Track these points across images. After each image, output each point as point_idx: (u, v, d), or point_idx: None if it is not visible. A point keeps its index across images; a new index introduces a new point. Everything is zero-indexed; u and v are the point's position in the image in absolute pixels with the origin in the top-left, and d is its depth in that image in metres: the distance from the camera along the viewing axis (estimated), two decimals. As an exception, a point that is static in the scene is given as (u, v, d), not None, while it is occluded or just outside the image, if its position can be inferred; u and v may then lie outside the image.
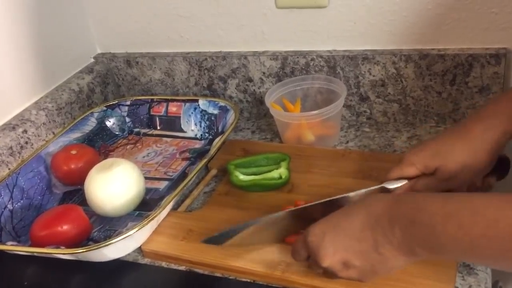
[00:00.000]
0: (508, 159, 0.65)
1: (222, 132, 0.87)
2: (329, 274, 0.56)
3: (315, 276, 0.60)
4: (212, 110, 0.92)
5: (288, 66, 0.90)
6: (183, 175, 0.84)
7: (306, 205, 0.65)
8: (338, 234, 0.52)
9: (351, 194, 0.64)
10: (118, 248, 0.68)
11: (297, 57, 0.89)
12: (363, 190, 0.64)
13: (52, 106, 0.92)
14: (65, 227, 0.70)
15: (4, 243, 0.72)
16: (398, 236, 0.49)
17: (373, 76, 0.86)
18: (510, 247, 0.43)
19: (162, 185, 0.82)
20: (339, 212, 0.55)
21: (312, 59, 0.88)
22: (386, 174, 0.64)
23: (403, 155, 0.65)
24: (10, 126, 0.86)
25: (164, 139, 0.95)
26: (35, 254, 0.69)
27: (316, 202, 0.64)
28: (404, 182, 0.63)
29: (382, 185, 0.63)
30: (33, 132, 0.88)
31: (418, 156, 0.62)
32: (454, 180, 0.60)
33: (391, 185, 0.63)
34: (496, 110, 0.61)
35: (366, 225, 0.51)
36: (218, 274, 0.65)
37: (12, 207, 0.78)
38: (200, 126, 0.93)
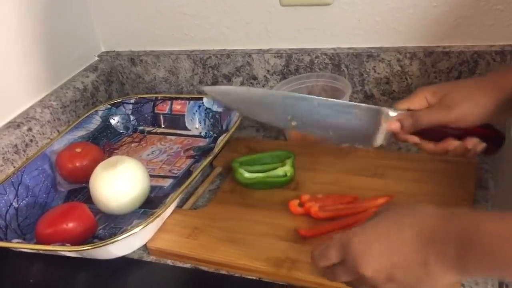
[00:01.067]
0: (503, 136, 0.65)
1: (227, 130, 0.87)
2: (355, 285, 0.52)
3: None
4: (217, 108, 0.92)
5: (293, 63, 0.90)
6: (188, 173, 0.84)
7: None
8: (387, 246, 0.50)
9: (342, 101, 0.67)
10: (123, 246, 0.68)
11: (302, 55, 0.89)
12: (362, 105, 0.66)
13: (57, 104, 0.92)
14: (70, 224, 0.70)
15: (9, 241, 0.72)
16: (452, 256, 0.46)
17: (378, 73, 0.86)
18: None
19: (167, 183, 0.83)
20: (388, 219, 0.52)
21: (317, 57, 0.88)
22: (396, 103, 0.65)
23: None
24: (15, 124, 0.86)
25: (169, 137, 0.95)
26: (41, 251, 0.69)
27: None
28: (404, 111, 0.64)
29: (384, 108, 0.65)
30: (38, 130, 0.88)
31: (428, 87, 0.64)
32: (454, 111, 0.61)
33: (393, 112, 0.64)
34: None
35: (418, 241, 0.48)
36: (223, 272, 0.65)
37: (17, 205, 0.78)
38: (205, 124, 0.93)
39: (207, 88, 0.71)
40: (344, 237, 0.52)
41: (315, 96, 0.68)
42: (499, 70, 0.64)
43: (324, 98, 0.68)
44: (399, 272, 0.49)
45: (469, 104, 0.61)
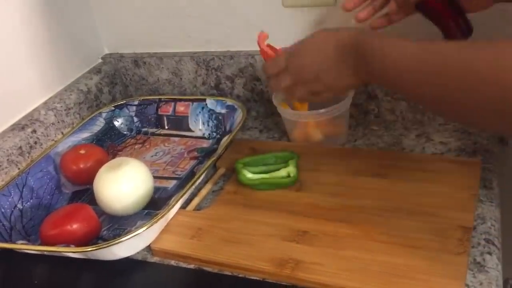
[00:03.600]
0: (471, 28, 0.70)
1: (230, 131, 0.87)
2: (294, 86, 0.70)
3: (325, 274, 0.60)
4: (220, 110, 0.92)
5: (296, 64, 0.90)
6: (191, 174, 0.84)
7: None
8: (318, 55, 0.67)
9: None
10: (127, 247, 0.68)
11: (305, 56, 0.89)
12: None
13: (61, 107, 0.93)
14: (74, 226, 0.71)
15: (14, 242, 0.72)
16: (352, 62, 0.63)
17: (381, 74, 0.86)
18: (426, 79, 0.54)
19: (171, 184, 0.83)
20: (320, 38, 0.68)
21: (320, 58, 0.88)
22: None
23: None
24: (20, 126, 0.86)
25: (172, 138, 0.95)
26: (45, 252, 0.70)
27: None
28: None
29: None
30: (42, 132, 0.88)
31: None
32: None
33: None
34: None
35: (335, 51, 0.65)
36: (227, 273, 0.65)
37: (22, 207, 0.78)
38: (208, 125, 0.93)
39: None
40: (289, 51, 0.71)
41: None
42: None
43: None
44: (323, 72, 0.66)
45: None
